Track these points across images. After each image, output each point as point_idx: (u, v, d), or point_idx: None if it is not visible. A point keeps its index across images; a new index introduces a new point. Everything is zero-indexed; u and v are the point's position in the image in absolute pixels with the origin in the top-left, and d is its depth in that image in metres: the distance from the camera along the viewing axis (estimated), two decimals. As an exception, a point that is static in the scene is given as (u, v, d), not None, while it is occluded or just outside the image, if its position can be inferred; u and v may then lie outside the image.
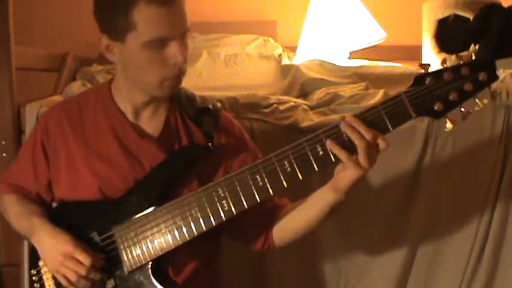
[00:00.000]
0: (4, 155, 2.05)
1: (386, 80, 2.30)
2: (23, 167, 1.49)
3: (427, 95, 1.19)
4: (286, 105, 2.01)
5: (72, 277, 1.31)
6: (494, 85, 1.19)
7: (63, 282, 1.34)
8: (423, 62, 2.73)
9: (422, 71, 1.19)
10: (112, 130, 1.41)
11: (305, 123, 1.91)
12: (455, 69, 1.17)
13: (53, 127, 1.45)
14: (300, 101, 2.13)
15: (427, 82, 1.18)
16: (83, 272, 1.31)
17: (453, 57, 1.20)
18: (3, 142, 2.05)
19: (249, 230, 1.43)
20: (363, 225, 1.89)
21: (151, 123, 1.42)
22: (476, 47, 1.23)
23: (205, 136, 1.40)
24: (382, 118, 1.20)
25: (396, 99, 1.20)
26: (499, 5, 2.48)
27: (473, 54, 1.18)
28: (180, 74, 1.34)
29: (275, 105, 2.00)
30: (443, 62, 1.19)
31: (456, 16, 2.59)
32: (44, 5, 3.18)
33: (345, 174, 1.23)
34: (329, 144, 1.21)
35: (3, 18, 2.07)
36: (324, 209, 1.33)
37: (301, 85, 2.33)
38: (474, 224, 1.87)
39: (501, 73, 2.04)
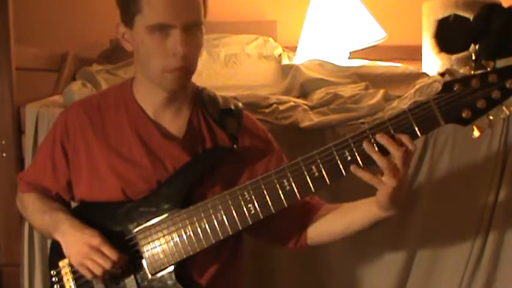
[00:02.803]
0: (4, 155, 2.05)
1: (386, 80, 2.30)
2: (42, 166, 1.47)
3: (455, 102, 1.18)
4: (286, 105, 2.01)
5: (97, 270, 1.30)
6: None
7: (87, 275, 1.32)
8: (424, 62, 2.76)
9: (449, 77, 1.18)
10: (134, 129, 1.39)
11: (305, 123, 1.91)
12: (483, 76, 1.17)
13: (72, 126, 1.43)
14: (300, 101, 2.13)
15: (455, 89, 1.17)
16: (108, 265, 1.29)
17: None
18: (3, 142, 2.05)
19: (284, 232, 1.42)
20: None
21: (174, 123, 1.40)
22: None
23: (230, 138, 1.38)
24: (410, 124, 1.19)
25: (425, 105, 1.19)
26: (499, 5, 2.48)
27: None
28: (183, 67, 1.31)
29: (275, 105, 2.00)
30: (471, 68, 1.18)
31: (456, 16, 2.59)
32: (44, 5, 3.18)
33: (381, 193, 1.23)
34: (354, 170, 1.20)
35: (3, 18, 2.07)
36: (367, 219, 1.33)
37: (301, 85, 2.33)
38: (473, 226, 1.87)
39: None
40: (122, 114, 1.41)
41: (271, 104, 2.00)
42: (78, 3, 3.19)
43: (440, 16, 2.66)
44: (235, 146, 1.37)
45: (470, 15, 2.51)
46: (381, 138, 1.19)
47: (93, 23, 2.91)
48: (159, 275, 1.33)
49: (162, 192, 1.35)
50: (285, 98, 2.13)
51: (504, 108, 1.18)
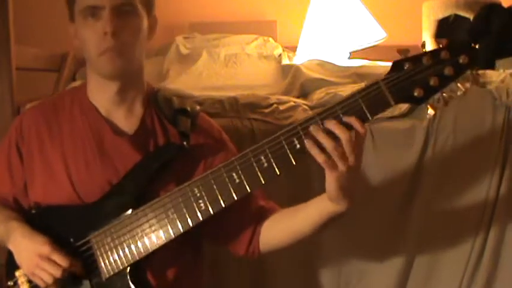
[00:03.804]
0: (4, 155, 2.05)
1: (386, 80, 2.30)
2: None
3: (406, 81, 1.13)
4: (286, 105, 2.01)
5: (48, 279, 1.28)
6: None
7: (40, 284, 1.31)
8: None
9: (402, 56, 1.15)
10: (87, 127, 1.39)
11: (305, 123, 1.91)
12: (434, 53, 1.13)
13: (27, 127, 1.42)
14: (300, 101, 2.13)
15: (405, 68, 1.13)
16: (59, 274, 1.27)
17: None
18: (3, 142, 2.05)
19: (236, 236, 1.39)
20: (363, 226, 1.89)
21: (127, 121, 1.40)
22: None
23: (181, 136, 1.37)
24: (360, 107, 1.15)
25: (374, 86, 1.14)
26: (499, 5, 2.48)
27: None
28: (115, 48, 1.31)
29: (275, 105, 2.00)
30: (423, 45, 1.16)
31: (456, 16, 2.59)
32: (44, 5, 3.17)
33: (330, 179, 1.18)
34: (308, 144, 1.15)
35: (3, 18, 2.07)
36: (320, 215, 1.29)
37: (301, 85, 2.33)
38: (473, 225, 1.87)
39: (501, 73, 2.04)
40: (76, 113, 1.41)
41: (271, 104, 2.00)
42: (78, 3, 3.19)
43: (441, 16, 2.67)
44: (185, 143, 1.35)
45: (470, 15, 2.52)
46: (328, 123, 1.15)
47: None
48: (113, 278, 1.31)
49: (115, 194, 1.33)
50: (285, 98, 2.13)
51: (459, 85, 1.13)
